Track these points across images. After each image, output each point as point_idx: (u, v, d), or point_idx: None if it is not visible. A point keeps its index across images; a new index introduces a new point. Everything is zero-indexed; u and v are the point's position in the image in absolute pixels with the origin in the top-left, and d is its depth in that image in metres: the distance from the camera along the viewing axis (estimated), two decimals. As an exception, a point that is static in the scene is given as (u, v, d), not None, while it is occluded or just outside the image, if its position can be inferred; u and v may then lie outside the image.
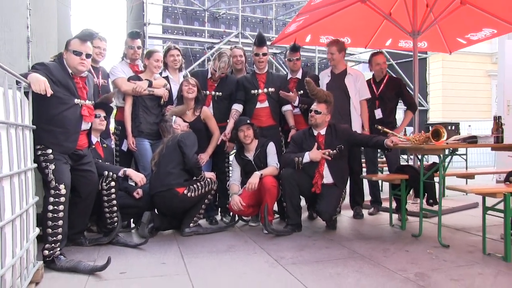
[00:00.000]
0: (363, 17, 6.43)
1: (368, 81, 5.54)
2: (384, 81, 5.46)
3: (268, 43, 5.96)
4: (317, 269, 3.29)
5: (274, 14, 11.63)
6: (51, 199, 3.37)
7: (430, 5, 5.77)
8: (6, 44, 3.50)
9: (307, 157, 4.45)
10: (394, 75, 7.44)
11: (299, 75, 5.24)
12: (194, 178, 4.43)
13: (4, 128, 2.46)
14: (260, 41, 5.15)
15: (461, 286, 2.88)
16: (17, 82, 2.80)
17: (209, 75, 5.14)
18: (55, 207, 3.37)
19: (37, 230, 3.09)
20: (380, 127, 4.58)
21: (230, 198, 4.73)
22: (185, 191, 4.27)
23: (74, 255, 3.67)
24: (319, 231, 4.62)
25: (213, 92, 5.12)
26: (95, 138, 4.35)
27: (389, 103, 5.44)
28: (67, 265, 3.32)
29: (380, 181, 6.38)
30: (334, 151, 4.48)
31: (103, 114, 4.45)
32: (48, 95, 3.20)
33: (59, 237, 3.39)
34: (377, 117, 5.41)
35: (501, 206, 3.49)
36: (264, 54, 5.10)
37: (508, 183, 3.76)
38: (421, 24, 5.91)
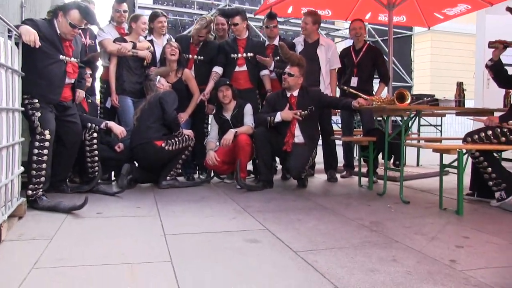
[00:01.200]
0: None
1: (348, 49, 5.75)
2: (364, 49, 5.59)
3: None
4: (279, 216, 3.55)
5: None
6: (37, 144, 3.63)
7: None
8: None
9: (278, 116, 4.70)
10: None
11: (276, 42, 5.47)
12: (173, 133, 4.69)
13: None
14: (228, 14, 5.51)
15: (410, 232, 3.12)
16: (9, 31, 3.03)
17: (192, 40, 5.37)
18: (40, 151, 3.63)
19: (22, 168, 3.34)
20: (345, 87, 4.82)
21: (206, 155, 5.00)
22: (163, 144, 4.54)
23: (56, 200, 3.92)
24: (289, 188, 4.89)
25: (195, 56, 5.37)
26: (81, 93, 4.58)
27: (366, 71, 5.59)
28: (48, 205, 3.58)
29: (355, 147, 6.67)
30: (305, 112, 4.73)
31: (89, 71, 4.74)
32: (37, 46, 3.44)
33: (42, 179, 3.66)
34: (353, 85, 5.51)
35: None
36: (235, 24, 5.29)
37: (465, 143, 4.01)
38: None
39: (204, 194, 4.43)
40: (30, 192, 3.59)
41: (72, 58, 3.96)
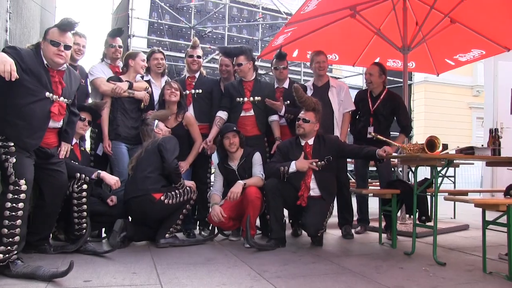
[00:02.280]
0: (352, 33, 6.33)
1: (365, 93, 5.27)
2: (382, 96, 5.07)
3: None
4: (304, 283, 2.99)
5: (260, 35, 11.51)
6: (10, 196, 3.02)
7: (419, 23, 5.66)
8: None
9: (293, 166, 4.18)
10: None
11: (286, 84, 5.02)
12: (173, 185, 4.14)
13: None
14: (231, 54, 5.07)
15: (463, 304, 2.61)
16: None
17: (186, 76, 5.04)
18: (14, 205, 3.01)
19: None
20: (373, 133, 4.32)
21: (210, 209, 4.43)
22: (162, 198, 3.97)
23: (35, 262, 3.29)
24: (304, 247, 4.31)
25: (192, 91, 4.93)
26: (74, 140, 4.01)
27: (383, 121, 5.07)
28: (24, 271, 2.95)
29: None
30: (322, 162, 4.23)
31: (88, 118, 4.24)
32: (13, 79, 2.88)
33: (16, 238, 3.03)
34: (369, 136, 4.87)
35: (503, 219, 3.24)
36: (239, 65, 4.83)
37: (508, 196, 3.52)
38: (411, 40, 5.76)
39: (209, 255, 3.82)
40: (0, 256, 2.96)
41: (61, 98, 3.36)
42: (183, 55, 10.26)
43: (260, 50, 11.15)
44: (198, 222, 4.99)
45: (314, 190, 4.26)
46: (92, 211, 3.87)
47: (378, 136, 4.17)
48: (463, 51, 6.51)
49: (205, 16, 11.10)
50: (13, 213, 3.01)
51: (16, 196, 3.03)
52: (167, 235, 4.11)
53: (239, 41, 11.26)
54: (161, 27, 10.57)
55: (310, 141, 4.34)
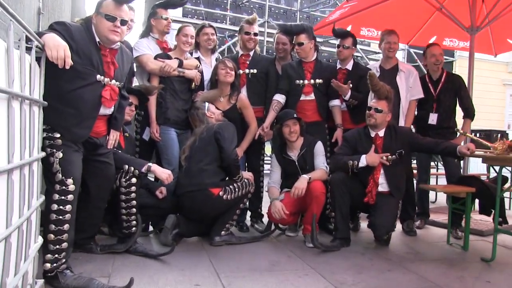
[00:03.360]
0: (411, 10, 5.83)
1: (423, 80, 4.75)
2: (443, 79, 4.65)
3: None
4: (390, 301, 2.64)
5: (299, 5, 10.97)
6: (56, 197, 2.62)
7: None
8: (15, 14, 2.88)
9: (363, 160, 3.77)
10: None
11: (349, 66, 4.54)
12: (229, 178, 3.78)
13: (5, 100, 1.71)
14: (290, 32, 4.54)
15: None
16: (27, 40, 2.06)
17: (240, 53, 4.58)
18: (61, 207, 2.62)
19: (40, 240, 2.38)
20: (462, 131, 3.89)
21: (270, 203, 4.07)
22: (221, 193, 3.61)
23: (83, 266, 2.99)
24: (369, 247, 3.94)
25: (246, 70, 4.48)
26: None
27: (447, 106, 4.63)
28: (74, 284, 2.61)
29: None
30: (394, 156, 3.82)
31: (135, 103, 3.83)
32: (67, 66, 2.44)
33: (64, 245, 2.65)
34: (432, 122, 4.58)
35: None
36: (300, 44, 4.34)
37: None
38: (481, 20, 5.23)
39: (272, 257, 3.46)
40: (48, 265, 2.59)
41: (113, 81, 2.92)
42: (219, 25, 9.88)
43: (298, 21, 10.67)
44: (250, 213, 4.61)
45: (382, 185, 3.88)
46: (138, 204, 3.45)
47: (468, 134, 3.74)
48: (531, 29, 5.96)
49: (242, -16, 10.63)
50: (60, 217, 2.62)
51: (63, 198, 2.63)
52: (222, 232, 3.77)
53: (277, 11, 10.77)
54: (197, -4, 10.13)
55: (381, 133, 3.92)
